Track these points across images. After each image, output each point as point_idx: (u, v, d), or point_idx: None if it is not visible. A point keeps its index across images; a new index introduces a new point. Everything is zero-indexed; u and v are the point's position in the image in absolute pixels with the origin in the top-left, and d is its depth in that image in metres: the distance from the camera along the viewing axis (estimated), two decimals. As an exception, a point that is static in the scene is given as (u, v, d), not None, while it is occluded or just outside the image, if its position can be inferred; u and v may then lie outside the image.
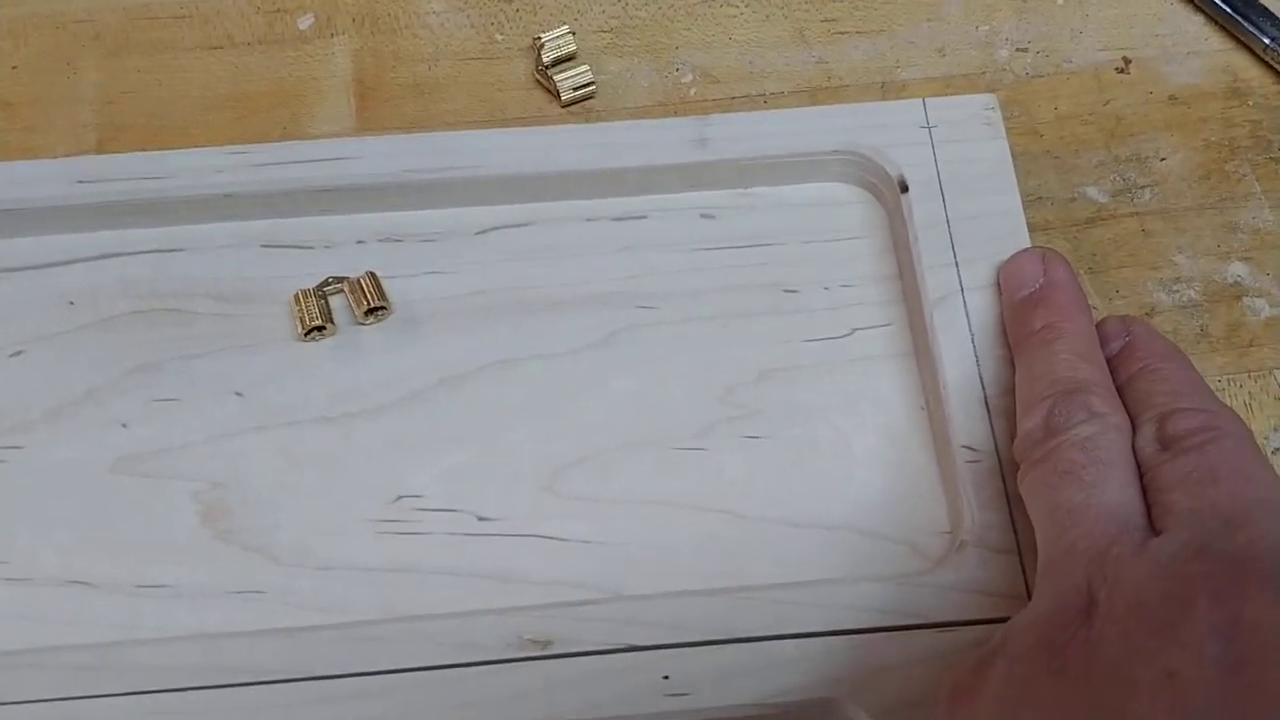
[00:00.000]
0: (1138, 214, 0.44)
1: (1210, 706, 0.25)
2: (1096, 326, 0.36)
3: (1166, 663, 0.26)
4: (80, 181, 0.40)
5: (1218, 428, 0.31)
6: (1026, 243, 0.40)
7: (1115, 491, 0.31)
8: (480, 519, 0.38)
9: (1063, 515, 0.31)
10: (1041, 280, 0.37)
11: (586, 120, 0.44)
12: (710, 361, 0.40)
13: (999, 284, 0.39)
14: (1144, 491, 0.31)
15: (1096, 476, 0.31)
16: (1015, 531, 0.36)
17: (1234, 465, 0.30)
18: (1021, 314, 0.37)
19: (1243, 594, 0.26)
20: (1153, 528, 0.30)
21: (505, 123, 0.44)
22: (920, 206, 0.40)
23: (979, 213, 0.40)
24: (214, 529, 0.37)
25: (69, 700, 0.33)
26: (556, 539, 0.37)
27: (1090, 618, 0.28)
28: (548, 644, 0.34)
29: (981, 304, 0.39)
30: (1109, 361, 0.35)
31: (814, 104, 0.45)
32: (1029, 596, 0.35)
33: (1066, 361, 0.35)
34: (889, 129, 0.41)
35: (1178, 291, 0.42)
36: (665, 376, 0.40)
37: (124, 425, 0.38)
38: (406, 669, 0.34)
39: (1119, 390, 0.34)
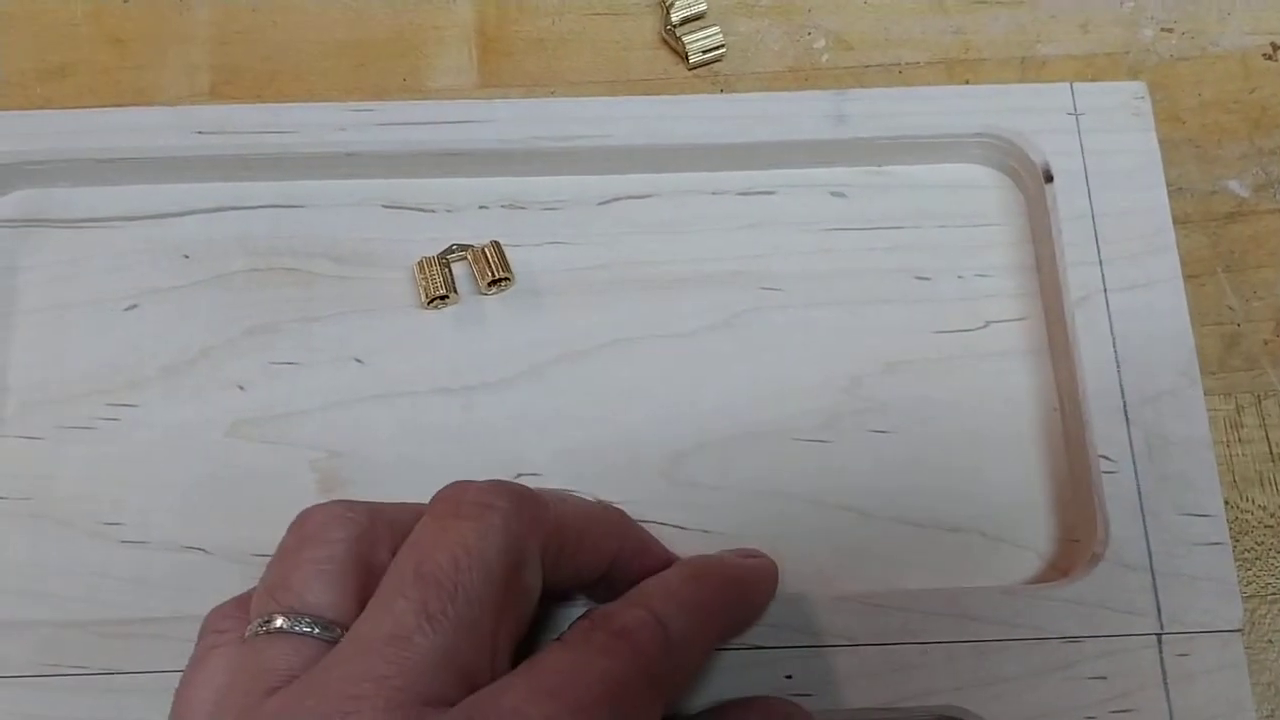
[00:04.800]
0: (1280, 211, 0.42)
1: None
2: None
3: None
4: (200, 132, 0.39)
5: None
6: (1172, 243, 0.38)
7: None
8: (599, 501, 0.37)
9: None
10: None
11: (714, 83, 0.43)
12: (836, 350, 0.39)
13: None
14: None
15: None
16: (1148, 548, 0.35)
17: None
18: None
19: None
20: None
21: (629, 83, 0.43)
22: (1064, 198, 0.39)
23: (1125, 209, 0.39)
24: (331, 498, 0.36)
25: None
26: (676, 527, 0.37)
27: None
28: (669, 639, 0.34)
29: (1125, 306, 0.37)
30: None
31: (950, 77, 0.43)
32: (1159, 617, 0.34)
33: None
34: (1034, 113, 0.40)
35: (1318, 296, 0.41)
36: (788, 363, 0.39)
37: (241, 388, 0.38)
38: (524, 657, 0.34)
39: None
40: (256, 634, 0.27)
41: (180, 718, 0.28)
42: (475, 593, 0.26)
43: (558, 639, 0.28)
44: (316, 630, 0.27)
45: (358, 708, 0.24)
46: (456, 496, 0.28)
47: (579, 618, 0.28)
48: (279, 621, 0.27)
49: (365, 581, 0.27)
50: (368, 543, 0.28)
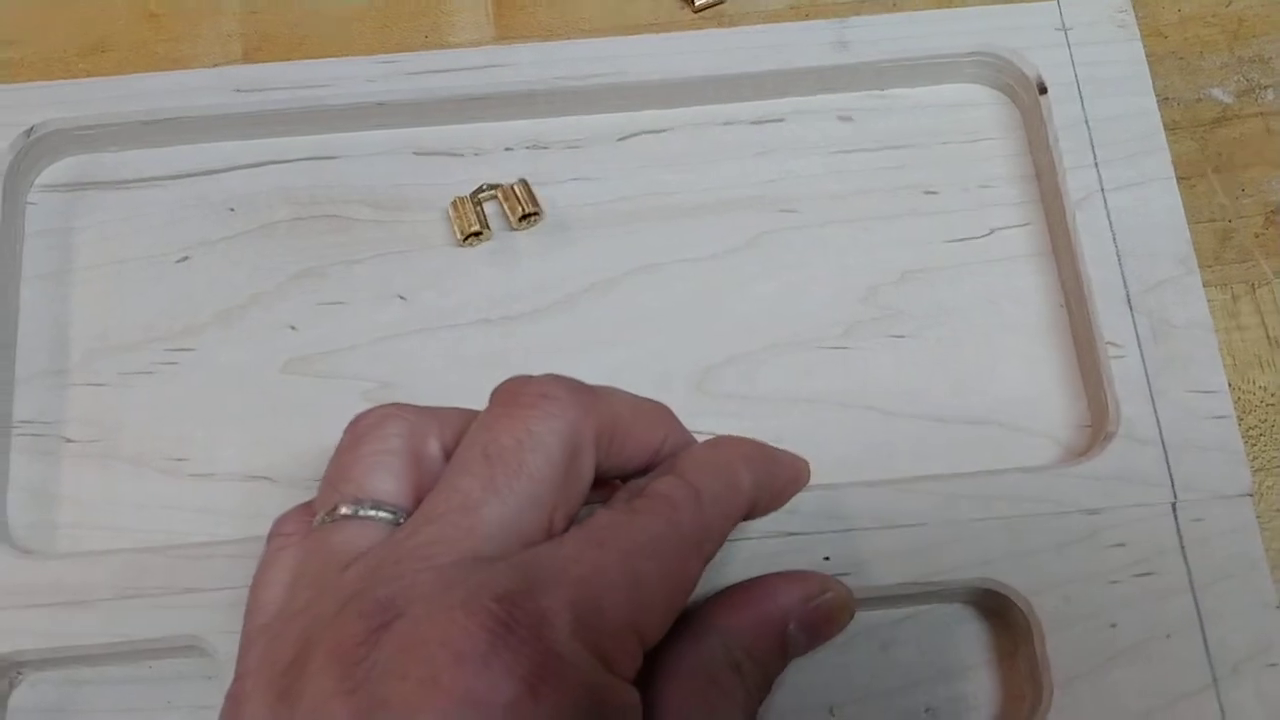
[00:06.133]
0: (1262, 114, 0.44)
1: None
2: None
3: None
4: (238, 90, 0.41)
5: None
6: (1163, 143, 0.40)
7: None
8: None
9: None
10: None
11: (719, 25, 0.45)
12: (852, 263, 0.41)
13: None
14: None
15: None
16: (1158, 424, 0.37)
17: None
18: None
19: None
20: None
21: (638, 30, 0.45)
22: (1059, 108, 0.41)
23: (1117, 114, 0.41)
24: (383, 418, 0.39)
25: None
26: (711, 434, 0.39)
27: None
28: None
29: (1122, 204, 0.40)
30: None
31: (942, 7, 0.45)
32: (1173, 487, 0.36)
33: None
34: (1025, 31, 0.42)
35: (1304, 190, 0.43)
36: (808, 278, 0.41)
37: (292, 328, 0.40)
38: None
39: None
40: (323, 524, 0.29)
41: (254, 613, 0.30)
42: (537, 472, 0.28)
43: (603, 506, 0.30)
44: (379, 514, 0.29)
45: (429, 565, 0.27)
46: (518, 388, 0.30)
47: (620, 489, 0.31)
48: (344, 509, 0.29)
49: (418, 471, 0.30)
50: (419, 436, 0.30)
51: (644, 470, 0.32)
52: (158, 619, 0.35)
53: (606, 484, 0.32)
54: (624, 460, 0.31)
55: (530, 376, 0.30)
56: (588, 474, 0.30)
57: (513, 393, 0.30)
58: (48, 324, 0.40)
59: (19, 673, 0.36)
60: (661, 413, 0.33)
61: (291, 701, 0.26)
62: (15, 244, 0.41)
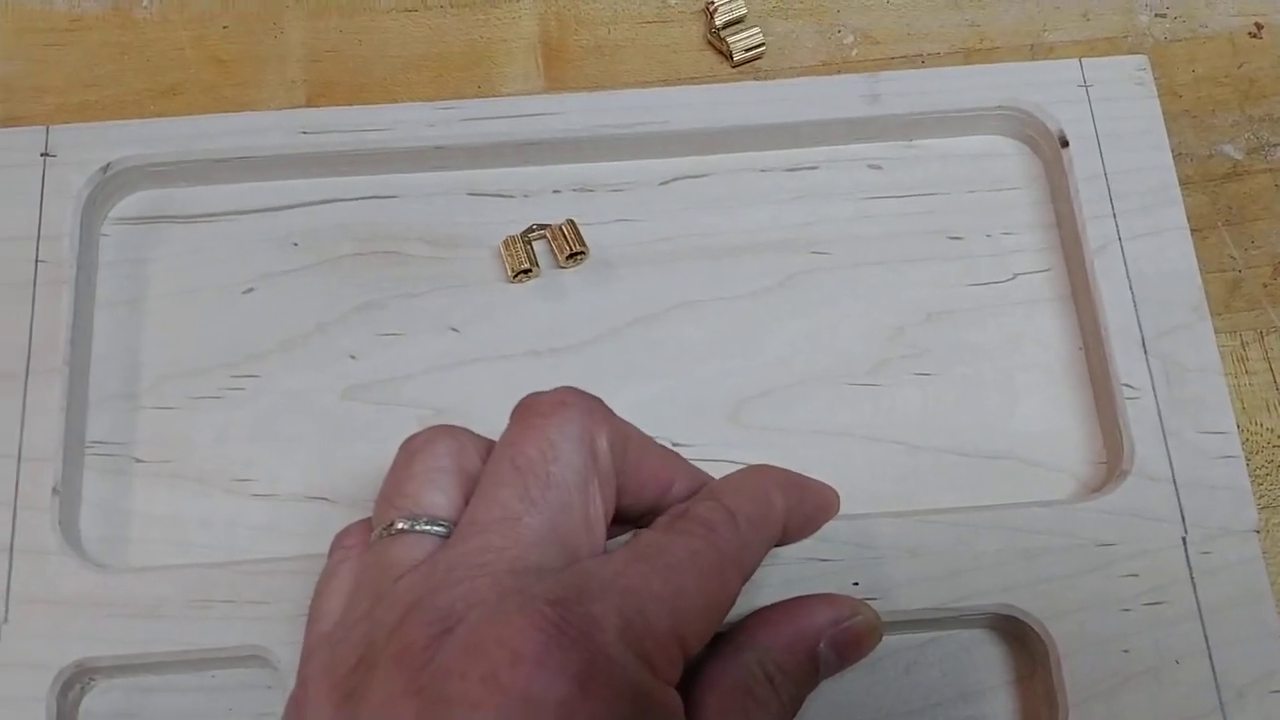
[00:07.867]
0: (1271, 170, 0.47)
1: None
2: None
3: None
4: (304, 132, 0.43)
5: None
6: (1177, 196, 0.43)
7: None
8: (674, 444, 0.41)
9: None
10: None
11: (756, 79, 0.48)
12: (881, 303, 0.43)
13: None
14: None
15: None
16: (1170, 463, 0.39)
17: None
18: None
19: None
20: None
21: (680, 82, 0.48)
22: (1080, 161, 0.43)
23: (1134, 167, 0.43)
24: (435, 444, 0.41)
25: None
26: (744, 464, 0.41)
27: None
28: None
29: (1138, 253, 0.42)
30: None
31: (967, 64, 0.48)
32: (1183, 522, 0.38)
33: None
34: (1047, 87, 0.44)
35: (1310, 243, 0.45)
36: (839, 317, 0.43)
37: (352, 357, 0.42)
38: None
39: None
40: (380, 538, 0.32)
41: (317, 621, 0.32)
42: (563, 478, 0.31)
43: (648, 528, 0.32)
44: (433, 528, 0.31)
45: (483, 573, 0.29)
46: (533, 402, 0.33)
47: (662, 515, 0.33)
48: (399, 524, 0.32)
49: (466, 484, 0.32)
50: (466, 455, 0.33)
51: (656, 508, 0.34)
52: (223, 630, 0.37)
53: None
54: (639, 482, 0.34)
55: (544, 391, 0.33)
56: (608, 469, 0.32)
57: (529, 407, 0.33)
58: (120, 350, 0.42)
59: (91, 679, 0.38)
60: (673, 453, 0.35)
61: (356, 702, 0.28)
62: (91, 273, 0.43)
